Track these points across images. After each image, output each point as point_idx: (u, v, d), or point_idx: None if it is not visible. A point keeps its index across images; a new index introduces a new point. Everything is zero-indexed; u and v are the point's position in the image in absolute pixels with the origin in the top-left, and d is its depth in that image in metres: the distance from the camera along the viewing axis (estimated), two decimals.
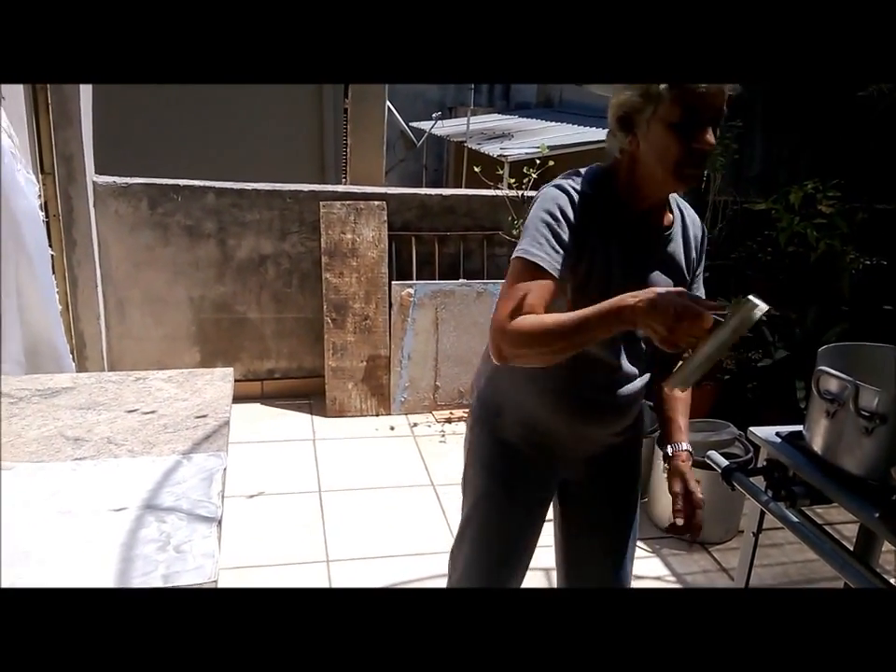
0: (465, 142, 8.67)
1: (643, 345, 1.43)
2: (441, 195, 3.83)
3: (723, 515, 2.83)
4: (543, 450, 1.49)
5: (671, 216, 1.41)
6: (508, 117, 10.84)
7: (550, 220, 1.29)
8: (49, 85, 2.91)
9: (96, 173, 3.35)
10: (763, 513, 1.75)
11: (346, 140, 4.28)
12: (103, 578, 1.21)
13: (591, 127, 7.98)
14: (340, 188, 3.83)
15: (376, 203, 3.61)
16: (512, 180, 3.60)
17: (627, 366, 1.42)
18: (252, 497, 2.98)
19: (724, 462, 1.75)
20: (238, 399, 1.98)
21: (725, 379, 3.40)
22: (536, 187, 3.49)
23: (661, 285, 1.32)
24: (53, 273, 2.58)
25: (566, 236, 1.28)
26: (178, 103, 5.30)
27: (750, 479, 1.70)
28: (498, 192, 3.62)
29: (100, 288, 3.39)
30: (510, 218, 3.55)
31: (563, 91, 11.05)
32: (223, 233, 3.58)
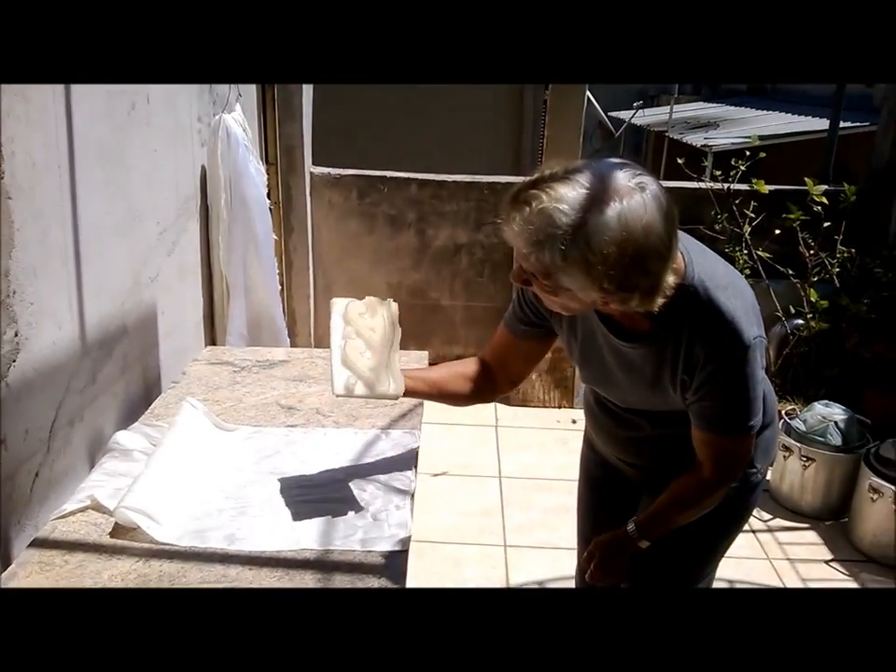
0: (666, 132, 8.36)
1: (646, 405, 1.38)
2: None
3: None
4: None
5: (654, 327, 1.23)
6: (714, 105, 10.32)
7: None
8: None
9: (312, 164, 3.61)
10: None
11: (544, 131, 4.29)
12: (307, 537, 1.34)
13: (807, 116, 7.40)
14: None
15: None
16: (717, 172, 3.44)
17: (627, 413, 1.42)
18: (436, 475, 3.11)
19: None
20: None
21: None
22: (744, 179, 3.32)
23: (618, 379, 1.34)
24: (274, 256, 2.83)
25: (529, 296, 1.35)
26: (385, 98, 5.58)
27: None
28: (701, 185, 3.48)
29: (311, 272, 3.67)
30: (713, 212, 3.41)
31: None
32: (422, 223, 3.73)
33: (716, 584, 2.47)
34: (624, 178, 1.05)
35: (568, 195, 1.04)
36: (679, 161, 3.50)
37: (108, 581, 1.21)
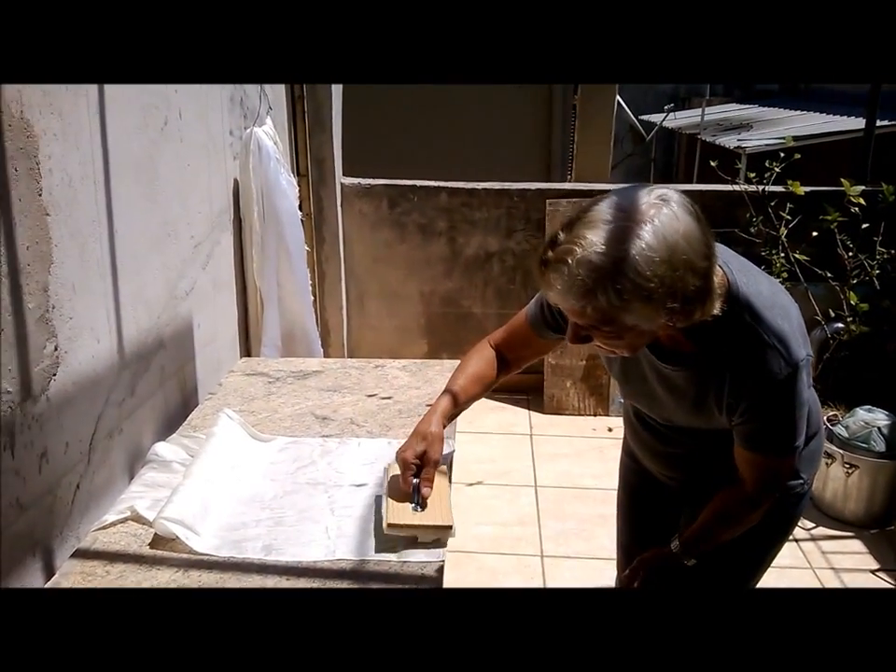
0: (698, 134, 8.28)
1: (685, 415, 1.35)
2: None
3: None
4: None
5: (697, 349, 1.21)
6: (747, 106, 10.19)
7: None
8: (305, 94, 3.21)
9: (343, 175, 3.64)
10: None
11: (573, 136, 4.27)
12: (343, 547, 1.33)
13: (842, 115, 7.28)
14: (566, 185, 3.85)
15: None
16: (752, 174, 3.40)
17: (668, 430, 1.40)
18: (471, 485, 3.09)
19: None
20: None
21: None
22: (779, 181, 3.27)
23: (661, 398, 1.32)
24: (307, 267, 2.86)
25: None
26: (412, 104, 5.60)
27: None
28: (736, 187, 3.44)
29: (343, 282, 3.69)
30: (747, 215, 3.36)
31: None
32: (453, 231, 3.74)
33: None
34: (645, 198, 1.04)
35: (599, 236, 1.02)
36: (713, 163, 3.46)
37: None
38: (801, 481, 1.40)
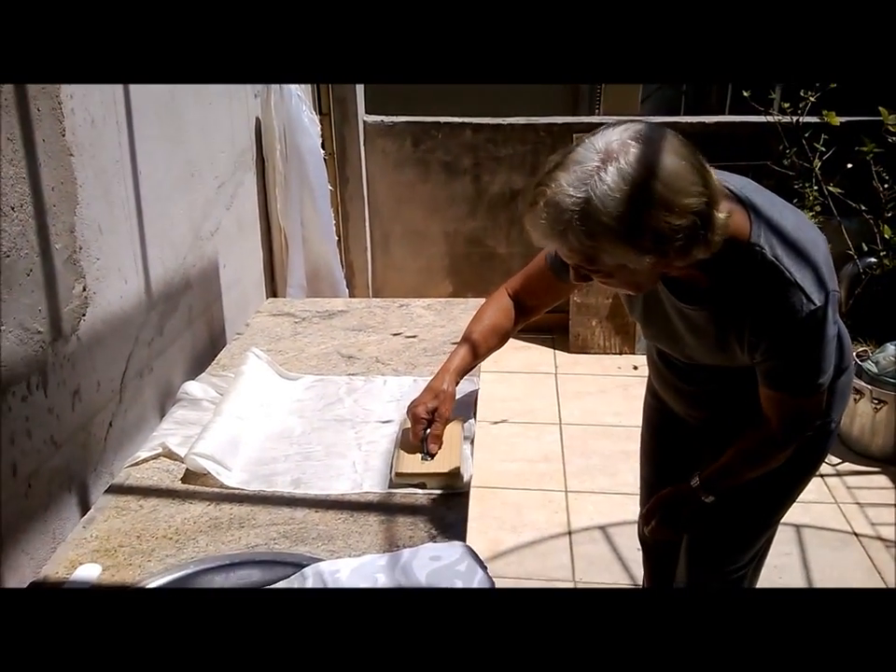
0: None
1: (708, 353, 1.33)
2: (702, 122, 3.61)
3: None
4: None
5: (715, 288, 1.19)
6: None
7: None
8: None
9: (366, 112, 3.59)
10: None
11: None
12: (370, 480, 1.36)
13: None
14: (594, 118, 3.76)
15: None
16: (786, 105, 3.29)
17: (691, 369, 1.39)
18: (496, 423, 3.12)
19: None
20: None
21: None
22: (814, 111, 3.16)
23: (684, 338, 1.31)
24: (330, 207, 2.84)
25: None
26: None
27: None
28: (769, 118, 3.33)
29: (367, 222, 3.68)
30: (781, 147, 3.26)
31: None
32: (478, 169, 3.68)
33: (783, 529, 2.45)
34: (617, 137, 1.03)
35: (567, 178, 1.02)
36: (745, 93, 3.35)
37: (182, 525, 1.26)
38: (830, 418, 1.39)
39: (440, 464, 1.35)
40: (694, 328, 1.27)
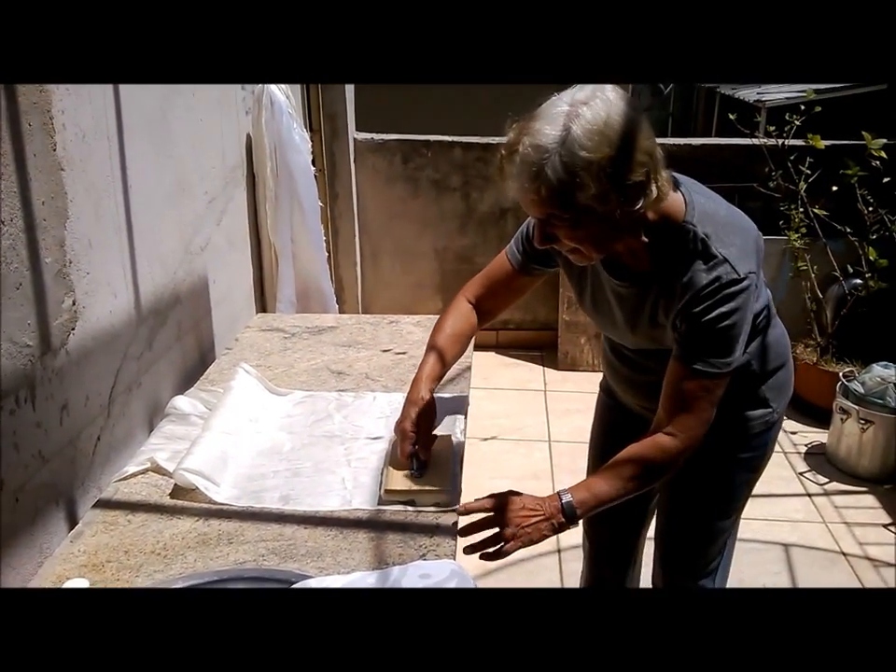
0: (717, 87, 8.10)
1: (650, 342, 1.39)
2: (689, 145, 3.65)
3: None
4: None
5: (651, 264, 1.28)
6: None
7: (529, 220, 1.43)
8: None
9: (356, 130, 3.60)
10: None
11: None
12: (359, 497, 1.36)
13: None
14: None
15: None
16: (771, 128, 3.33)
17: (639, 356, 1.44)
18: (486, 439, 3.12)
19: None
20: (474, 347, 2.08)
21: None
22: (799, 135, 3.21)
23: (623, 320, 1.38)
24: (321, 223, 2.85)
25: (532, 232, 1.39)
26: None
27: None
28: (755, 141, 3.38)
29: (357, 238, 3.68)
30: (766, 169, 3.31)
31: None
32: (467, 187, 3.70)
33: (771, 548, 2.46)
34: (581, 93, 1.12)
35: (542, 122, 1.11)
36: (731, 116, 3.40)
37: (170, 540, 1.25)
38: (769, 409, 1.45)
39: (429, 481, 1.35)
40: (630, 307, 1.34)
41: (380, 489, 1.36)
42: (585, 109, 1.09)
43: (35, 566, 1.26)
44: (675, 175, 1.27)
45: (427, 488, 1.34)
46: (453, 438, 1.50)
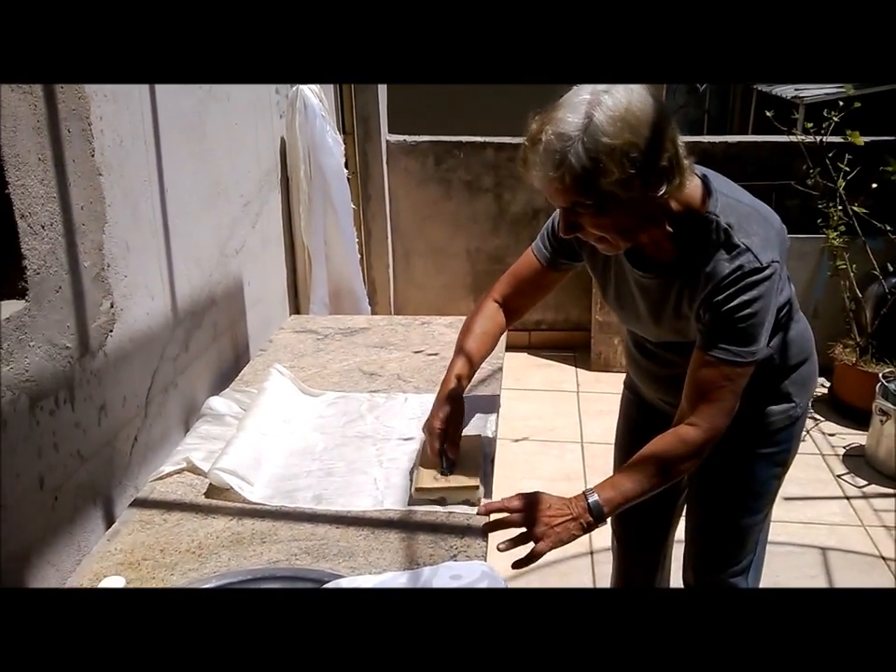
0: (754, 84, 7.99)
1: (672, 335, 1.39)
2: (725, 142, 3.61)
3: None
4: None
5: (676, 258, 1.28)
6: None
7: (554, 215, 1.42)
8: None
9: (389, 132, 3.62)
10: None
11: None
12: (391, 498, 1.37)
13: None
14: None
15: None
16: (809, 125, 3.27)
17: (662, 350, 1.44)
18: (517, 441, 3.11)
19: None
20: (506, 347, 2.08)
21: None
22: (838, 131, 3.15)
23: (647, 313, 1.38)
24: (353, 225, 2.87)
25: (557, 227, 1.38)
26: None
27: None
28: (792, 138, 3.32)
29: (390, 240, 3.70)
30: (804, 167, 3.25)
31: None
32: (500, 188, 3.70)
33: (808, 551, 2.42)
34: (602, 84, 1.14)
35: (564, 111, 1.13)
36: (768, 113, 3.34)
37: (204, 539, 1.27)
38: (793, 404, 1.44)
39: (459, 479, 1.36)
40: (654, 299, 1.34)
41: (410, 489, 1.37)
42: (606, 97, 1.11)
43: (73, 563, 1.29)
44: (697, 167, 1.28)
45: (456, 486, 1.35)
46: (483, 436, 1.50)
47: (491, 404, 1.66)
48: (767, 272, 1.20)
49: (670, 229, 1.24)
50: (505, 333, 1.62)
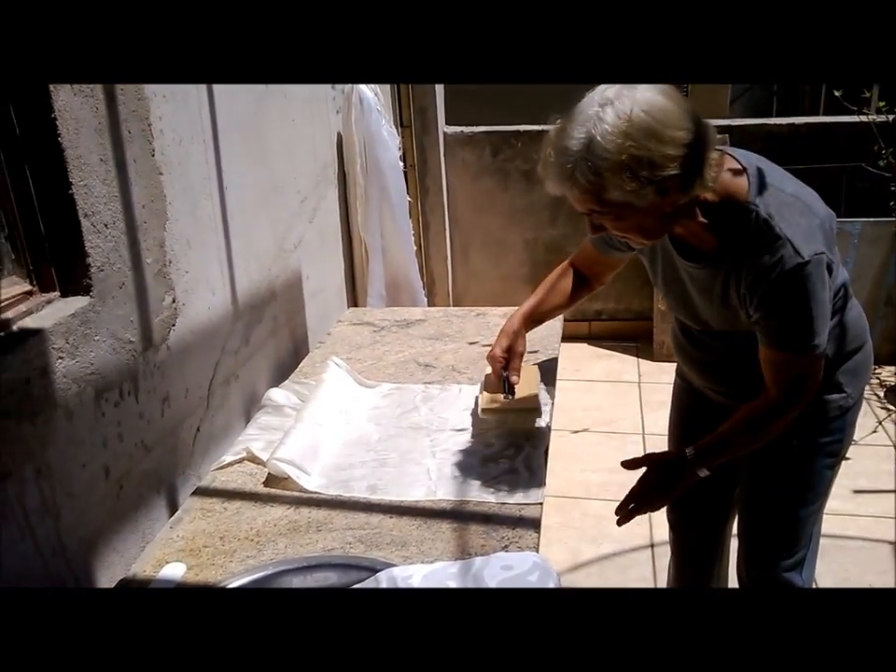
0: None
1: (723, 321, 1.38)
2: (792, 124, 3.48)
3: None
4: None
5: (719, 247, 1.28)
6: None
7: None
8: None
9: (446, 124, 3.62)
10: None
11: None
12: (444, 488, 1.37)
13: None
14: None
15: (718, 136, 3.39)
16: (882, 103, 3.13)
17: (709, 338, 1.44)
18: (577, 432, 3.09)
19: None
20: (566, 338, 2.06)
21: None
22: None
23: (694, 301, 1.38)
24: (410, 217, 2.89)
25: None
26: None
27: None
28: (864, 118, 3.18)
29: (447, 232, 3.71)
30: (876, 148, 3.11)
31: None
32: None
33: (878, 546, 2.33)
34: (612, 89, 1.14)
35: (572, 126, 1.14)
36: (836, 93, 3.22)
37: (262, 527, 1.30)
38: (845, 394, 1.42)
39: (520, 401, 1.49)
40: (702, 288, 1.35)
41: (476, 408, 1.53)
42: (609, 110, 1.11)
43: (137, 550, 1.34)
44: (740, 152, 1.27)
45: (518, 408, 1.49)
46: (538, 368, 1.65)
47: (545, 396, 1.65)
48: (810, 266, 1.18)
49: (704, 220, 1.24)
50: (561, 323, 1.73)
